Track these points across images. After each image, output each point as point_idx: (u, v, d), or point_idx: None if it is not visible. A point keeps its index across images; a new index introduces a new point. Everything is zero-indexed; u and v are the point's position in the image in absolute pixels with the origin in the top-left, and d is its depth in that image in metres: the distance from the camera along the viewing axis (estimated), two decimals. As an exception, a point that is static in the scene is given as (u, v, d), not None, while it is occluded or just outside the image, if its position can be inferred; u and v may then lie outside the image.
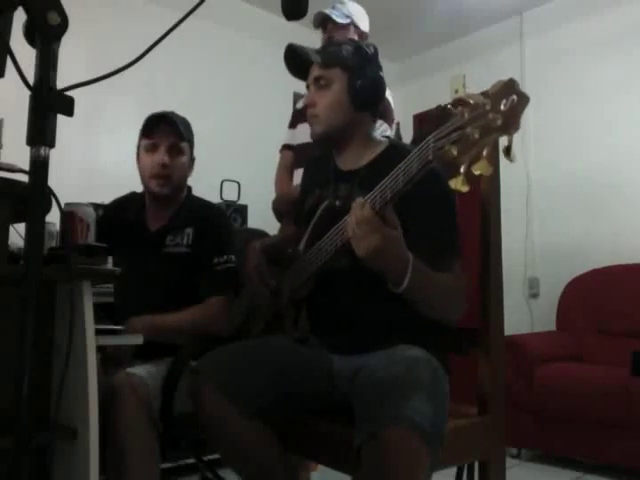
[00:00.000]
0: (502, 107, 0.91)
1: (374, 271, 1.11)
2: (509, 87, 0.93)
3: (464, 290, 1.23)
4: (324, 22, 2.22)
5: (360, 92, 1.33)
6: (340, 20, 2.19)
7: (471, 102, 0.94)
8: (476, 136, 0.92)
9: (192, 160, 1.72)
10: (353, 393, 1.14)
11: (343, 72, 1.34)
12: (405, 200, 1.09)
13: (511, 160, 0.95)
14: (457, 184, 0.95)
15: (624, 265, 3.05)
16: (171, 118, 1.63)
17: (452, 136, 0.96)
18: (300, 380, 1.23)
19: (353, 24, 2.22)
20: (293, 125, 2.38)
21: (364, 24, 2.28)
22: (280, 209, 2.23)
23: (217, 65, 3.55)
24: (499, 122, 0.91)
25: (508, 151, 0.94)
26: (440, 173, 1.20)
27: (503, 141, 0.94)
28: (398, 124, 3.68)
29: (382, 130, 2.10)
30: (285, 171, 2.33)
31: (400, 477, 0.94)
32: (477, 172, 0.93)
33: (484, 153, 0.92)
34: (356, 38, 2.21)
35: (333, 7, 2.22)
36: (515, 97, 0.91)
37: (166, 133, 1.62)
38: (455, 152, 0.94)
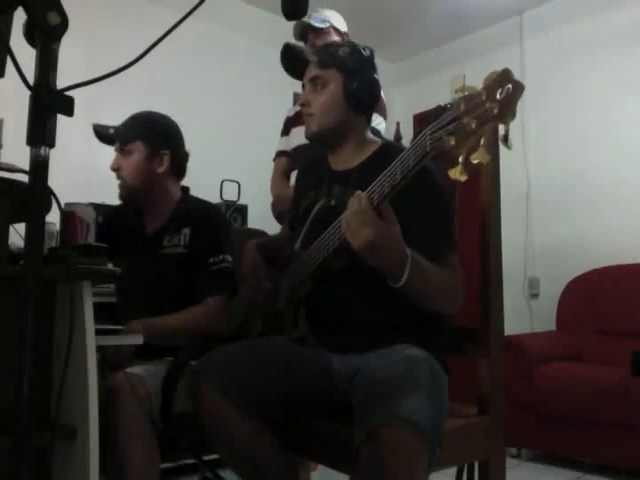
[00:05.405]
0: (498, 96, 0.92)
1: (371, 267, 1.10)
2: (504, 76, 0.93)
3: (461, 284, 1.23)
4: (304, 33, 2.26)
5: (356, 94, 1.34)
6: (319, 25, 2.22)
7: (467, 93, 0.95)
8: (473, 126, 0.92)
9: (158, 154, 1.65)
10: (352, 392, 1.13)
11: (339, 73, 1.35)
12: (399, 199, 1.09)
13: (509, 147, 0.95)
14: (456, 174, 0.95)
15: (624, 265, 3.05)
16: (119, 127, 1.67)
17: (449, 127, 0.96)
18: (300, 380, 1.23)
19: (332, 27, 2.26)
20: (286, 132, 2.39)
21: (342, 25, 2.32)
22: (280, 210, 2.23)
23: (217, 65, 3.55)
24: (495, 111, 0.91)
25: (505, 139, 0.95)
26: (432, 170, 1.20)
27: (501, 130, 0.95)
28: (398, 124, 3.69)
29: (377, 123, 2.11)
30: (281, 175, 2.34)
31: (398, 477, 0.94)
32: (475, 161, 0.93)
33: (481, 142, 0.93)
34: (337, 39, 2.24)
35: (309, 17, 2.24)
36: (510, 86, 0.92)
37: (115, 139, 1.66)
38: (453, 142, 0.95)
